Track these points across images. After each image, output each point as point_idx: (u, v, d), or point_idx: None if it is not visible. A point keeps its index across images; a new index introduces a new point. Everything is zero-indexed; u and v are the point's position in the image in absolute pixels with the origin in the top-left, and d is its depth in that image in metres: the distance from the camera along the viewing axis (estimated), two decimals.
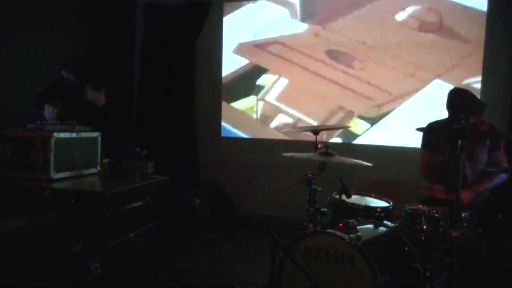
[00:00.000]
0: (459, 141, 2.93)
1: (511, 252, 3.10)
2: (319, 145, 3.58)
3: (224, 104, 6.06)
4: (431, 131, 3.73)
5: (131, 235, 3.59)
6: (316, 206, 3.25)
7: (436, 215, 3.06)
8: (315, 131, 3.84)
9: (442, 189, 3.53)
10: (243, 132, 5.97)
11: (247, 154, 5.88)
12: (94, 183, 3.54)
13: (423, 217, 3.09)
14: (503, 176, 3.50)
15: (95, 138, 3.71)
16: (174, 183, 3.98)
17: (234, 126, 6.03)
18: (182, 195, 5.34)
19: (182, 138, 6.10)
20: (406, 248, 2.94)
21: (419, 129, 3.59)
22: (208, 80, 6.14)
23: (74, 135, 3.50)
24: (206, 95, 6.17)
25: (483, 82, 4.78)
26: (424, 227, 3.05)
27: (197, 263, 4.27)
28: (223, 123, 6.08)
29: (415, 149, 3.97)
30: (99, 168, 3.73)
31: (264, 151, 5.74)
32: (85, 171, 3.62)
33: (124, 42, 6.04)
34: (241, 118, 5.97)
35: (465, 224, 3.04)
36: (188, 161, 6.08)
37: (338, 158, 3.29)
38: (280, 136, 5.67)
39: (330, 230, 2.91)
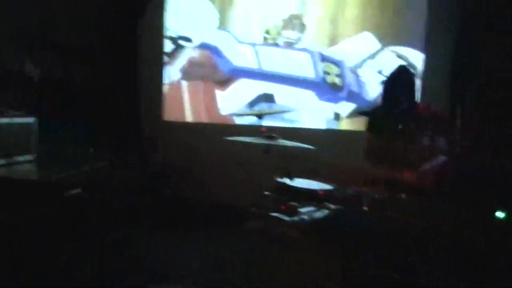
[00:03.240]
0: (401, 125, 3.01)
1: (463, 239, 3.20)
2: (263, 129, 3.60)
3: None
4: (375, 115, 3.81)
5: None
6: (259, 189, 3.27)
7: (377, 196, 3.13)
8: (259, 115, 3.85)
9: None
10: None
11: (191, 138, 5.82)
12: (28, 171, 3.44)
13: (366, 200, 3.16)
14: (450, 155, 3.63)
15: (30, 124, 3.59)
16: (113, 169, 3.91)
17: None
18: (121, 182, 5.23)
19: (124, 121, 5.94)
20: (349, 231, 2.99)
21: (361, 113, 3.66)
22: (149, 54, 5.93)
23: (6, 120, 3.37)
24: (147, 71, 5.96)
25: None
26: (365, 208, 3.12)
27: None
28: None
29: (361, 132, 4.05)
30: (35, 155, 3.61)
31: (208, 135, 5.69)
32: (20, 158, 3.50)
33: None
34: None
35: (409, 207, 3.13)
36: (129, 146, 5.93)
37: (282, 142, 3.33)
38: (225, 120, 5.65)
39: (273, 214, 2.96)
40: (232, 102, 5.62)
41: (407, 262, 3.01)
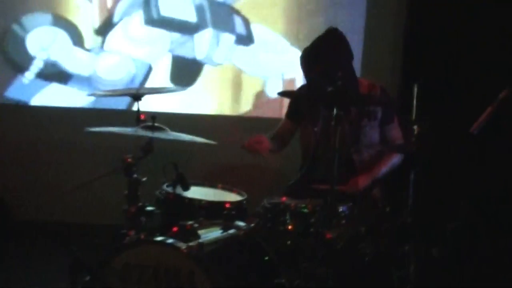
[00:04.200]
0: (335, 111, 3.06)
1: (402, 258, 3.33)
2: (143, 115, 3.54)
3: None
4: (298, 96, 3.86)
5: None
6: (140, 204, 3.24)
7: (306, 210, 3.18)
8: (136, 95, 3.78)
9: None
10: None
11: (32, 129, 5.64)
12: None
13: (288, 214, 3.18)
14: (398, 157, 3.75)
15: None
16: None
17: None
18: None
19: None
20: (267, 258, 3.04)
21: (282, 94, 3.68)
22: None
23: None
24: None
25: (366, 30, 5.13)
26: (290, 227, 3.15)
27: None
28: None
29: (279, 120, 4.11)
30: None
31: (59, 125, 5.56)
32: None
33: None
34: None
35: (344, 221, 3.21)
36: None
37: (170, 135, 3.29)
38: (84, 103, 5.56)
39: (159, 238, 2.91)
40: None
41: None
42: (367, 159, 3.77)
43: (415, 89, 3.44)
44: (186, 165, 3.35)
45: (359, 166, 3.74)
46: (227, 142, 4.16)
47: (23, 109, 5.72)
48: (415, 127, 3.44)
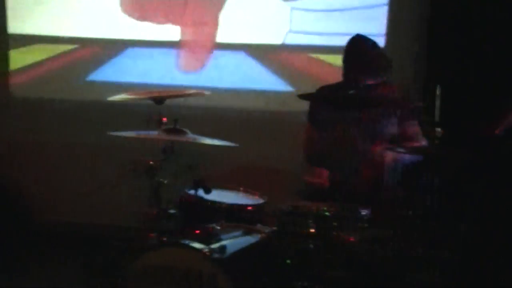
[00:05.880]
0: (357, 113, 3.08)
1: (419, 261, 3.33)
2: (164, 118, 3.57)
3: None
4: (320, 98, 3.88)
5: None
6: (161, 206, 3.27)
7: (328, 213, 3.19)
8: (158, 99, 3.80)
9: (324, 174, 3.74)
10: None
11: (54, 130, 5.69)
12: None
13: (310, 217, 3.19)
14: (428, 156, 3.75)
15: None
16: None
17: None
18: None
19: None
20: (288, 261, 3.04)
21: (302, 96, 3.70)
22: None
23: None
24: None
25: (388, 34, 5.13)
26: (312, 230, 3.15)
27: None
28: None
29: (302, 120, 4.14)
30: None
31: (81, 127, 5.59)
32: None
33: None
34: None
35: (366, 225, 3.22)
36: None
37: (192, 137, 3.31)
38: (106, 106, 5.56)
39: (182, 241, 2.94)
40: None
41: None
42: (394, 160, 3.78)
43: (438, 91, 3.44)
44: (208, 167, 3.34)
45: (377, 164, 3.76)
46: (251, 141, 4.16)
47: (44, 110, 5.77)
48: (439, 129, 3.44)
